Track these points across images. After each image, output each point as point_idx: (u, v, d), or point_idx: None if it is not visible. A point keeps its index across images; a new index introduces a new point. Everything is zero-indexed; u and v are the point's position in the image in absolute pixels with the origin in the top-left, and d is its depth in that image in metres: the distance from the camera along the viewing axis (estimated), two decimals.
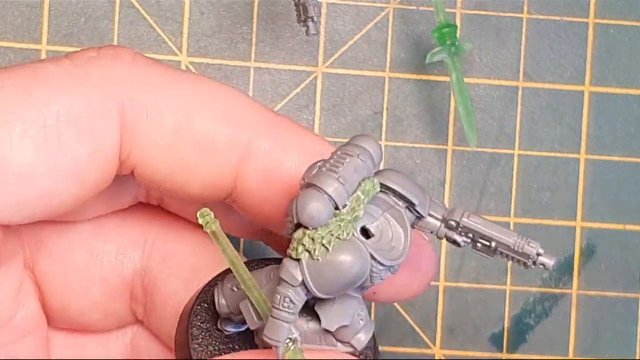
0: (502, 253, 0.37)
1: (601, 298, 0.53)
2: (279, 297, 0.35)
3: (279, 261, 0.37)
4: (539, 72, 0.53)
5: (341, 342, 0.38)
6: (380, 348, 0.52)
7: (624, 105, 0.53)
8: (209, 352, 0.40)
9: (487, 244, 0.37)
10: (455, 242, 0.38)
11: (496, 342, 0.53)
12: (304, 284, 0.35)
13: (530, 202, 0.53)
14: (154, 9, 0.52)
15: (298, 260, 0.35)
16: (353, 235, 0.36)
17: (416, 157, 0.52)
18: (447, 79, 0.52)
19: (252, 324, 0.37)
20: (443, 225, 0.38)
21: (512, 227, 0.53)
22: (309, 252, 0.35)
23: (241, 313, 0.38)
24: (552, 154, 0.53)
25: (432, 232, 0.38)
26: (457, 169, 0.52)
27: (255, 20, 0.52)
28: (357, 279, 0.35)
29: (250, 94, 0.52)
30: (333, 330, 0.37)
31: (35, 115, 0.38)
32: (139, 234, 0.44)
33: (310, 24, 0.47)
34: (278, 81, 0.52)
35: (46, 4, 0.52)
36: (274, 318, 0.35)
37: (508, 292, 0.53)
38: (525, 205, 0.52)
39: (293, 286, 0.35)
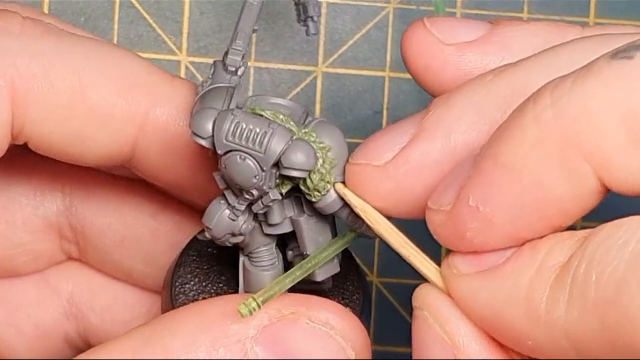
0: None
1: None
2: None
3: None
4: None
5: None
6: (381, 348, 0.52)
7: None
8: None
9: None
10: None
11: None
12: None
13: None
14: (154, 8, 0.52)
15: (334, 184, 0.36)
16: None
17: None
18: None
19: None
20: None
21: None
22: (330, 174, 0.36)
23: None
24: None
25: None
26: None
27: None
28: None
29: (250, 93, 0.52)
30: None
31: None
32: (53, 175, 0.44)
33: (310, 23, 0.47)
34: (278, 81, 0.52)
35: (46, 4, 0.52)
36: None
37: None
38: None
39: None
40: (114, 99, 0.39)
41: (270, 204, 0.36)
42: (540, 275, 0.32)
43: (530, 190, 0.32)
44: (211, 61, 0.52)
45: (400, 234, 0.36)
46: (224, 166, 0.35)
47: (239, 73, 0.38)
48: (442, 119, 0.35)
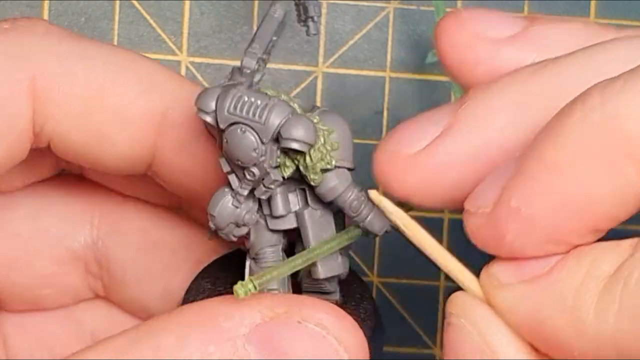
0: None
1: None
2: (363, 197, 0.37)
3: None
4: None
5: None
6: None
7: None
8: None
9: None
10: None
11: None
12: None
13: None
14: (154, 8, 0.52)
15: (334, 169, 0.36)
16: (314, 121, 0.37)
17: None
18: (447, 79, 0.52)
19: None
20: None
21: None
22: (330, 156, 0.36)
23: None
24: None
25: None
26: None
27: (255, 20, 0.52)
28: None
29: None
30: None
31: None
32: (84, 208, 0.44)
33: (310, 23, 0.47)
34: (278, 81, 0.52)
35: (46, 4, 0.52)
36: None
37: None
38: None
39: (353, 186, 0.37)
40: (133, 98, 0.40)
41: (272, 186, 0.36)
42: (586, 285, 0.32)
43: (574, 191, 0.32)
44: (211, 61, 0.52)
45: (435, 241, 0.36)
46: (225, 141, 0.36)
47: (255, 78, 0.38)
48: (477, 112, 0.35)
